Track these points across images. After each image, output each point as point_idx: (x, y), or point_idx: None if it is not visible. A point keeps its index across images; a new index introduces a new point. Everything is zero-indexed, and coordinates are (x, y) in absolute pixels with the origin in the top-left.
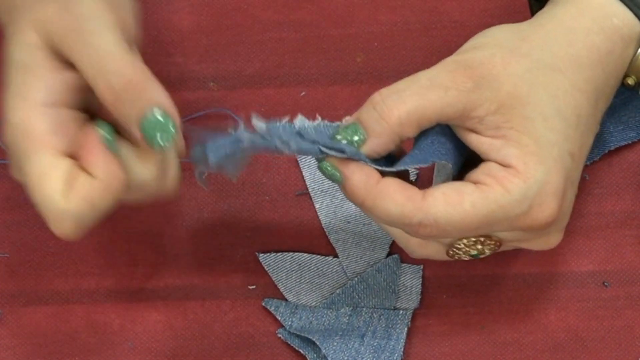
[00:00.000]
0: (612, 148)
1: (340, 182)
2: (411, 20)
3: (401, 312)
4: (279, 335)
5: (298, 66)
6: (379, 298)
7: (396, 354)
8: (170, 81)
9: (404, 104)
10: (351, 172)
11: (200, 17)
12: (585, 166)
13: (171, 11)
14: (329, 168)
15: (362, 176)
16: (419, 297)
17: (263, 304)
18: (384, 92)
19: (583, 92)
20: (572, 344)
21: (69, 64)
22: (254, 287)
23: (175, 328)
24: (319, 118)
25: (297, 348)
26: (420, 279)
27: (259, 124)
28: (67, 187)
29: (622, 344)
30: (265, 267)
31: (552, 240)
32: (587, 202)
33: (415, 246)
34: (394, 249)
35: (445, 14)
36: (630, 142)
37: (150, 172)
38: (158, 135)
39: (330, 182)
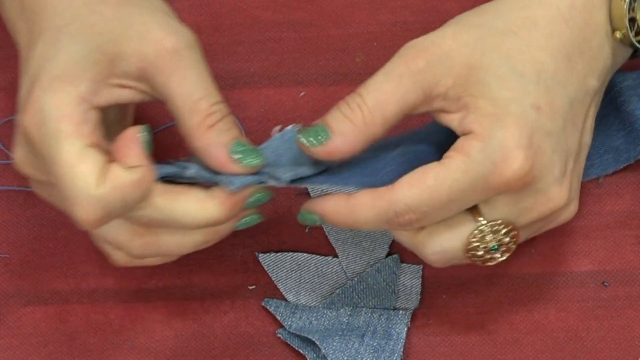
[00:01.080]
0: (625, 164)
1: (320, 222)
2: (411, 20)
3: (401, 312)
4: (279, 335)
5: (298, 66)
6: (379, 298)
7: (396, 354)
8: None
9: (364, 104)
10: (322, 207)
11: (200, 17)
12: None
13: None
14: (306, 216)
15: (331, 203)
16: (419, 297)
17: (263, 304)
18: (348, 96)
19: (543, 49)
20: (572, 344)
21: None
22: (254, 287)
23: (175, 328)
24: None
25: (296, 348)
26: (420, 279)
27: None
28: (100, 174)
29: (622, 344)
30: (265, 267)
31: (551, 195)
32: (587, 202)
33: (431, 254)
34: (394, 249)
35: (445, 14)
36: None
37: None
38: (247, 159)
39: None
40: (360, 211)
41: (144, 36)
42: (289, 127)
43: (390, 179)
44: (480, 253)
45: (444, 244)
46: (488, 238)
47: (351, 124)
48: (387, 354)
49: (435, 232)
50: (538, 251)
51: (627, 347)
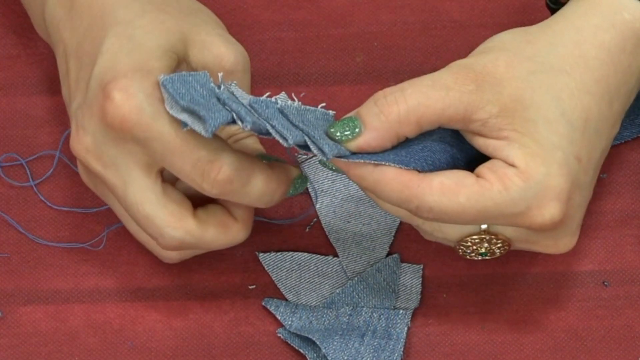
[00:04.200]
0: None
1: (341, 171)
2: (411, 20)
3: (401, 311)
4: (279, 335)
5: (298, 66)
6: (379, 298)
7: (396, 354)
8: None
9: (404, 102)
10: (347, 165)
11: None
12: None
13: None
14: (329, 165)
15: (358, 165)
16: (419, 297)
17: (263, 303)
18: (388, 89)
19: (592, 94)
20: (572, 344)
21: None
22: (254, 286)
23: (175, 328)
24: (297, 101)
25: (297, 348)
26: (420, 279)
27: (241, 94)
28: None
29: (622, 343)
30: (265, 267)
31: (561, 244)
32: None
33: (426, 231)
34: (394, 248)
35: (445, 14)
36: (623, 141)
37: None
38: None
39: (330, 182)
40: (383, 188)
41: (207, 46)
42: (331, 112)
43: (423, 165)
44: (468, 251)
45: (443, 229)
46: (483, 246)
47: (385, 119)
48: (387, 353)
49: None
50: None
51: (627, 347)
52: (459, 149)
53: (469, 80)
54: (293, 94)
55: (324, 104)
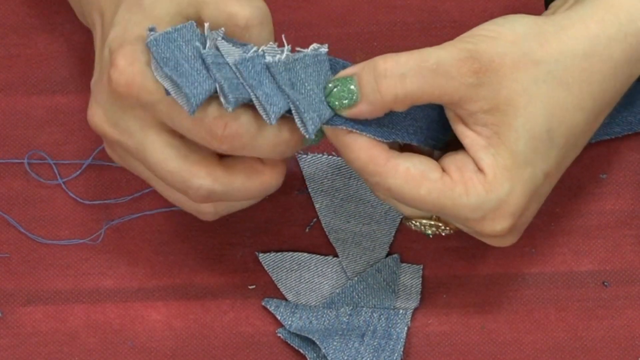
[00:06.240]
0: (593, 142)
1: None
2: (411, 20)
3: (401, 311)
4: (279, 335)
5: None
6: (379, 298)
7: (396, 354)
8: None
9: (404, 86)
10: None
11: None
12: (585, 165)
13: None
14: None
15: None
16: (419, 297)
17: (263, 303)
18: (389, 64)
19: (585, 110)
20: (572, 344)
21: None
22: (254, 286)
23: (175, 328)
24: (287, 47)
25: (297, 348)
26: (420, 279)
27: (228, 49)
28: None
29: (622, 343)
30: (265, 267)
31: (503, 243)
32: (587, 202)
33: (380, 196)
34: (394, 248)
35: (445, 14)
36: (613, 137)
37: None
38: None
39: (330, 182)
40: (350, 153)
41: (218, 6)
42: (322, 50)
43: (404, 135)
44: (414, 228)
45: (396, 204)
46: (431, 229)
47: (382, 98)
48: (387, 353)
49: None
50: (538, 251)
51: (627, 347)
52: (439, 112)
53: (472, 72)
54: (283, 36)
55: (315, 45)
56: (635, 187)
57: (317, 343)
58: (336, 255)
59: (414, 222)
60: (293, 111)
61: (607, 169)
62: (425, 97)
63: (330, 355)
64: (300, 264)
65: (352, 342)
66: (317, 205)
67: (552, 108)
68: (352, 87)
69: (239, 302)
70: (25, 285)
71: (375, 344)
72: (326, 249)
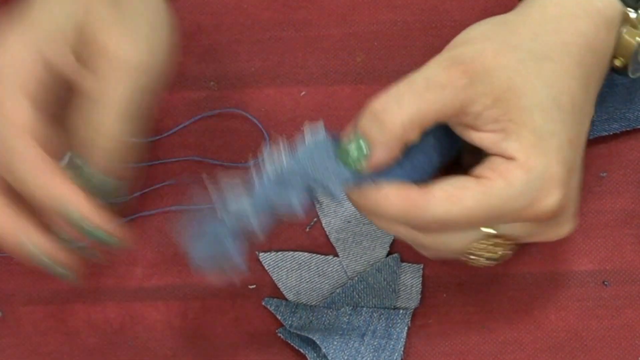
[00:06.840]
0: (591, 138)
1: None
2: (411, 19)
3: (401, 311)
4: (279, 335)
5: (298, 66)
6: (379, 297)
7: (396, 354)
8: (170, 81)
9: (404, 110)
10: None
11: (200, 17)
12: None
13: (171, 11)
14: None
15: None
16: (419, 297)
17: (263, 303)
18: (383, 99)
19: (576, 78)
20: (572, 344)
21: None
22: (254, 286)
23: (175, 328)
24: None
25: (297, 347)
26: (420, 278)
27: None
28: None
29: (622, 343)
30: (265, 267)
31: (563, 229)
32: (587, 200)
33: (428, 248)
34: (394, 248)
35: (445, 14)
36: (611, 133)
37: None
38: None
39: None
40: (383, 203)
41: (101, 36)
42: (319, 128)
43: (425, 170)
44: (476, 258)
45: (445, 241)
46: (490, 250)
47: (389, 131)
48: (388, 353)
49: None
50: (538, 251)
51: (627, 347)
52: (441, 143)
53: (461, 74)
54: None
55: (307, 127)
56: (635, 186)
57: (317, 343)
58: (336, 255)
59: (470, 253)
60: (315, 192)
61: (607, 167)
62: (431, 115)
63: (331, 355)
64: (300, 263)
65: (352, 342)
66: (317, 205)
67: (547, 79)
68: (360, 141)
69: (239, 302)
70: (25, 285)
71: (375, 343)
72: (326, 248)
